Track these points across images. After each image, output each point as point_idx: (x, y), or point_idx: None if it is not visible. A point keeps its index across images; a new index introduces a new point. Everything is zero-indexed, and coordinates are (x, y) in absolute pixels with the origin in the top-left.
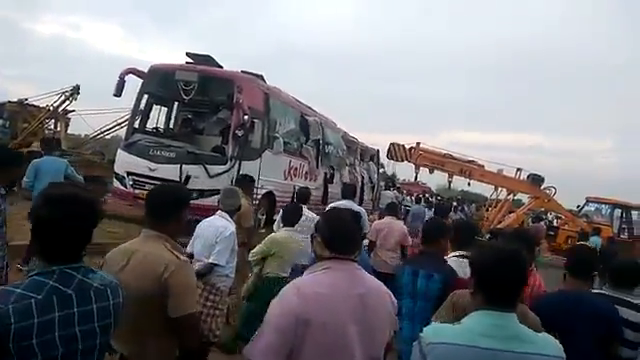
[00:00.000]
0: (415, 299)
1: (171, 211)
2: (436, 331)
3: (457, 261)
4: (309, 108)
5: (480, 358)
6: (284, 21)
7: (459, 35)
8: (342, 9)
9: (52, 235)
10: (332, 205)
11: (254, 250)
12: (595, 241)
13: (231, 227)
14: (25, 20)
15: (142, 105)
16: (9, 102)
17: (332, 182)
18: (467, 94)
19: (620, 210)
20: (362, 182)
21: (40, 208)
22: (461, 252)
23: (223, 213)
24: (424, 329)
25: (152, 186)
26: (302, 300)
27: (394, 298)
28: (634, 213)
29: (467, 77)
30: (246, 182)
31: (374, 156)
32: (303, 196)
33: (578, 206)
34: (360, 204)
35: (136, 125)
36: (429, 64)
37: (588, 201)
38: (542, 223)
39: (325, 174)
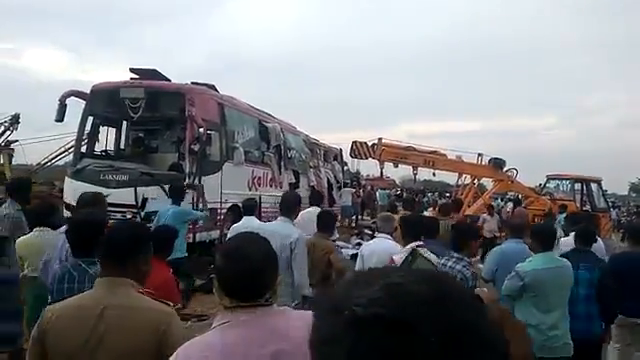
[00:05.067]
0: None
1: (131, 251)
2: (528, 265)
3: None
4: (267, 114)
5: (554, 272)
6: (226, 34)
7: (398, 32)
8: (277, 19)
9: None
10: (301, 212)
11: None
12: (562, 219)
13: (397, 246)
14: None
15: (88, 128)
16: None
17: (298, 187)
18: (416, 87)
19: (580, 184)
20: (329, 183)
21: None
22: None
23: (386, 235)
24: (520, 265)
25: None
26: None
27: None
28: (593, 186)
29: (410, 71)
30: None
31: (337, 155)
32: (249, 208)
33: (540, 184)
34: (331, 206)
35: (83, 150)
36: (373, 62)
37: (549, 178)
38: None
39: (290, 180)
